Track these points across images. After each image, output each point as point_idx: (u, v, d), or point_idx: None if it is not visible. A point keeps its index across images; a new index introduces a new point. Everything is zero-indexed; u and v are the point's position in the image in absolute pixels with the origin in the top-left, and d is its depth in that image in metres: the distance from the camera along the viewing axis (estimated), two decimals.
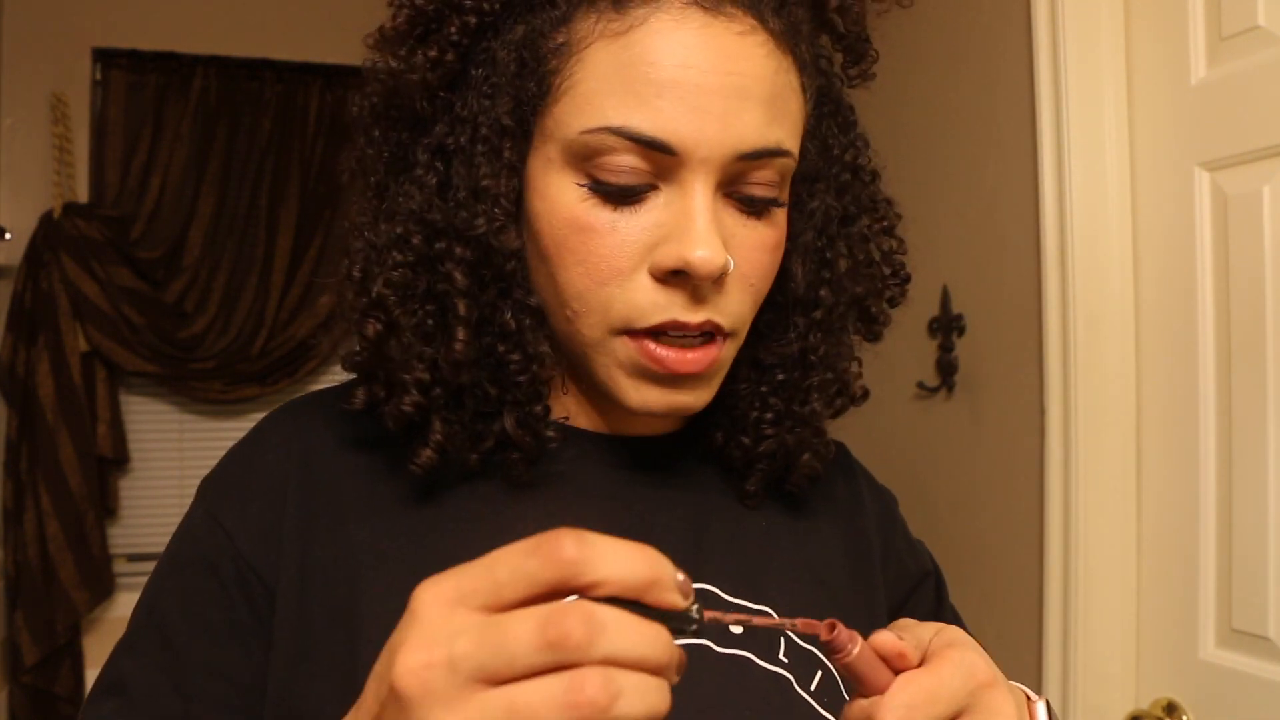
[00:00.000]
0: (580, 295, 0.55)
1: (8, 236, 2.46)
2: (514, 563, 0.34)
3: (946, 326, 1.71)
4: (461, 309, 0.56)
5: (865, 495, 0.74)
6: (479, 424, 0.59)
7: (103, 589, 2.48)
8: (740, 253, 0.56)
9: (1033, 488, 1.48)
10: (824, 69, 0.63)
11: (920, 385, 1.76)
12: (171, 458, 2.69)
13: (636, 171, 0.53)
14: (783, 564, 0.64)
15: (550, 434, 0.59)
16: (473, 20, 0.56)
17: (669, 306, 0.54)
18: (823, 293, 0.63)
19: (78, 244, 2.47)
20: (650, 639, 0.34)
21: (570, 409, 0.63)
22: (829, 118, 0.64)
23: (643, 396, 0.57)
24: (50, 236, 2.46)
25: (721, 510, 0.65)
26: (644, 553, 0.35)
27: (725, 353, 0.57)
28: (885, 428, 1.87)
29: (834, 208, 0.64)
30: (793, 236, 0.61)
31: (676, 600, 0.35)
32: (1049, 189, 1.43)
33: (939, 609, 0.74)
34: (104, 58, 2.60)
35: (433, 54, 0.56)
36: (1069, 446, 1.40)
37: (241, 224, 2.65)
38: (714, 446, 0.66)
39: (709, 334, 0.56)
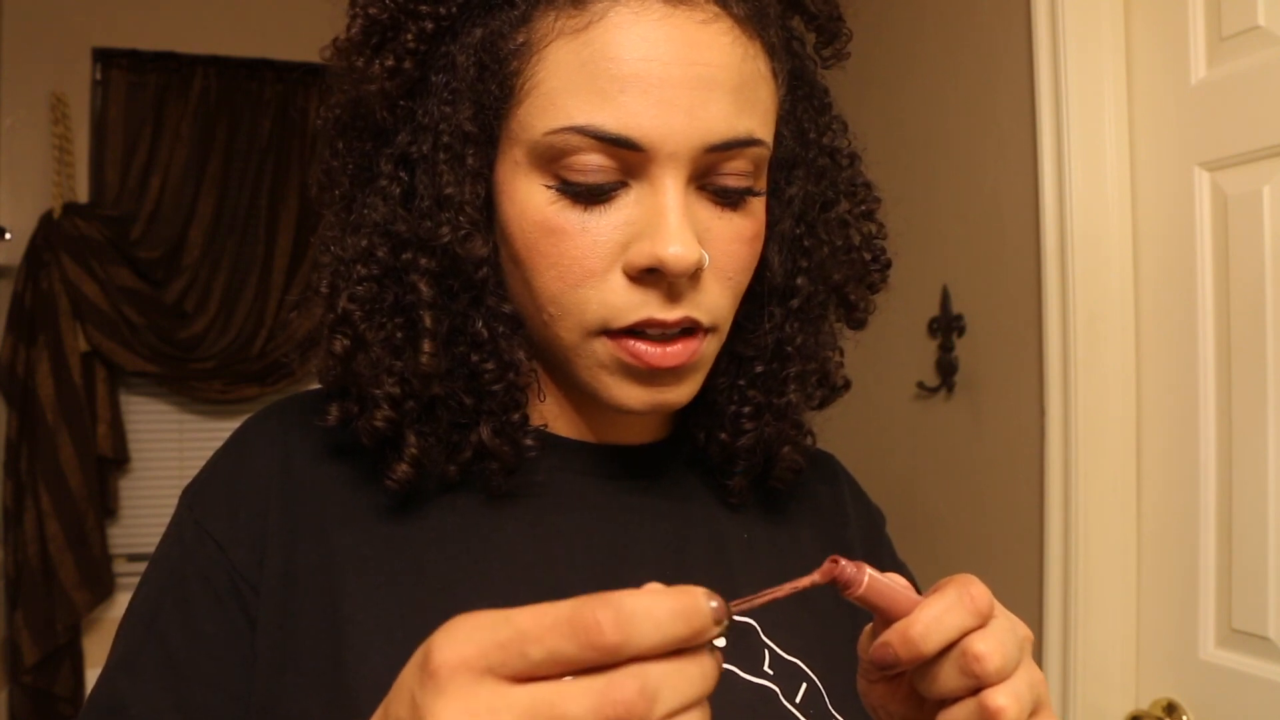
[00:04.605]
0: (555, 299, 0.54)
1: (8, 236, 2.46)
2: (549, 643, 0.32)
3: (946, 326, 1.71)
4: (428, 321, 0.55)
5: (850, 507, 0.73)
6: (455, 435, 0.57)
7: (103, 589, 2.48)
8: (717, 246, 0.54)
9: (1033, 488, 1.48)
10: (796, 51, 0.62)
11: (920, 385, 1.76)
12: (171, 458, 2.69)
13: (604, 170, 0.52)
14: (764, 578, 0.63)
15: (529, 442, 0.58)
16: (429, 26, 0.55)
17: (645, 305, 0.53)
18: (800, 281, 0.62)
19: (78, 244, 2.47)
20: (701, 684, 0.34)
21: (549, 416, 0.62)
22: (803, 101, 0.62)
23: (625, 395, 0.56)
24: (50, 236, 2.46)
25: (705, 522, 0.64)
26: (683, 612, 0.33)
27: (706, 346, 0.56)
28: (885, 428, 1.87)
29: (812, 193, 0.62)
30: (770, 225, 0.60)
31: (713, 635, 0.35)
32: (1049, 189, 1.43)
33: None
34: (104, 58, 2.60)
35: (389, 63, 0.55)
36: (1069, 446, 1.40)
37: (241, 224, 2.65)
38: (696, 449, 0.65)
39: (688, 329, 0.55)
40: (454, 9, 0.55)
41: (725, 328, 0.58)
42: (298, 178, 2.68)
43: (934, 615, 0.41)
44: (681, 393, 0.57)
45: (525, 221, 0.54)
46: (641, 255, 0.52)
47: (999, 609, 0.43)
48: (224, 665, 0.56)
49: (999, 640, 0.41)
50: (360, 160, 0.59)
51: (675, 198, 0.52)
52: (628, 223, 0.53)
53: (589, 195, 0.52)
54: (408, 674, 0.35)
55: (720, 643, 0.59)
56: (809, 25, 0.62)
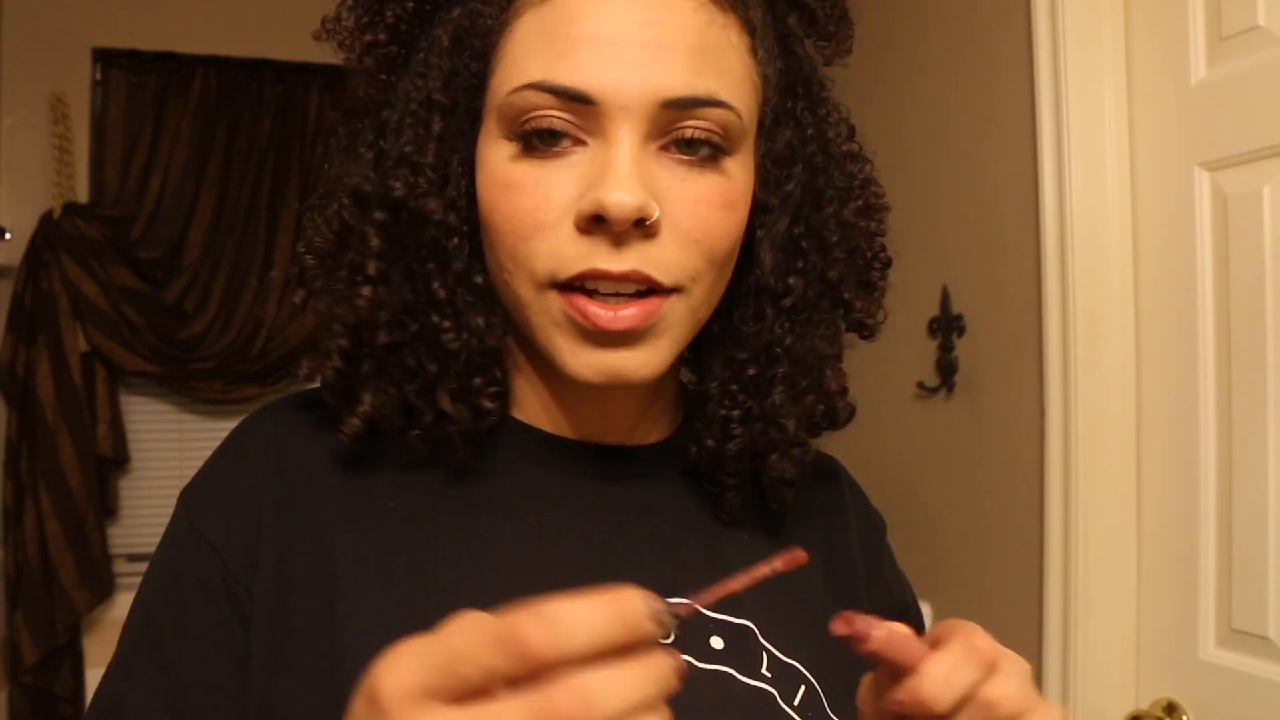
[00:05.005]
0: (510, 252, 0.55)
1: (8, 236, 2.46)
2: (482, 661, 0.32)
3: (946, 326, 1.71)
4: (371, 269, 0.57)
5: (850, 511, 0.72)
6: (418, 401, 0.58)
7: (103, 589, 2.48)
8: (678, 206, 0.54)
9: (1033, 488, 1.48)
10: (794, 49, 0.61)
11: (920, 385, 1.76)
12: (171, 458, 2.69)
13: (562, 123, 0.53)
14: (762, 580, 0.63)
15: (488, 405, 0.58)
16: (410, 5, 0.58)
17: (591, 255, 0.52)
18: (792, 280, 0.60)
19: (78, 244, 2.47)
20: (646, 685, 0.33)
21: (542, 417, 0.62)
22: (802, 99, 0.62)
23: (579, 359, 0.55)
24: (50, 236, 2.46)
25: (701, 524, 0.63)
26: (613, 612, 0.33)
27: (668, 309, 0.55)
28: (885, 428, 1.87)
29: (810, 190, 0.62)
30: (766, 224, 0.60)
31: (655, 635, 0.34)
32: (1049, 189, 1.43)
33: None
34: (104, 58, 2.60)
35: (369, 39, 0.58)
36: (1069, 446, 1.40)
37: (241, 224, 2.65)
38: (690, 459, 0.64)
39: (647, 291, 0.54)
40: None
41: (697, 293, 0.56)
42: (298, 178, 2.68)
43: (944, 674, 0.43)
44: (639, 360, 0.55)
45: (489, 182, 0.55)
46: (586, 203, 0.52)
47: (997, 648, 0.45)
48: (217, 667, 0.56)
49: (1014, 685, 0.43)
50: (350, 137, 0.61)
51: (626, 150, 0.52)
52: (581, 177, 0.53)
53: (544, 147, 0.53)
54: (358, 706, 0.36)
55: (718, 644, 0.58)
56: (806, 20, 0.62)
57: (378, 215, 0.57)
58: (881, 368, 1.86)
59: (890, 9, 1.86)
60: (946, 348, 1.71)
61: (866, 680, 0.47)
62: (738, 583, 0.40)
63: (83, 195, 2.56)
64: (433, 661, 0.33)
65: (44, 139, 2.50)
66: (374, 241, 0.57)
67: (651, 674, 0.33)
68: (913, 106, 1.81)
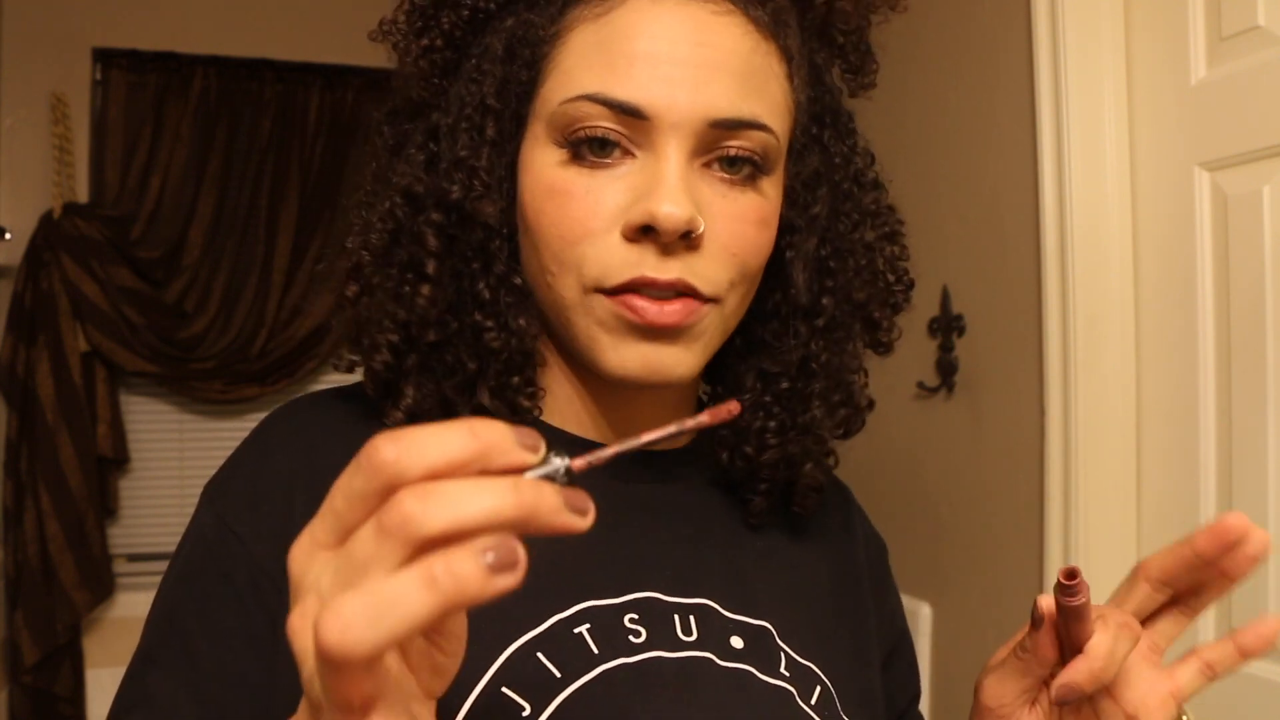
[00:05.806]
0: (556, 256, 0.56)
1: (8, 236, 2.46)
2: (344, 487, 0.34)
3: (946, 326, 1.71)
4: (430, 268, 0.58)
5: (858, 531, 0.75)
6: (457, 397, 0.59)
7: (103, 589, 2.48)
8: (719, 223, 0.56)
9: (1033, 488, 1.48)
10: (825, 81, 0.64)
11: (920, 385, 1.76)
12: (171, 458, 2.69)
13: (614, 134, 0.55)
14: (777, 586, 0.65)
15: (525, 404, 0.59)
16: (466, 14, 0.60)
17: (639, 263, 0.54)
18: (825, 300, 0.63)
19: (78, 244, 2.47)
20: (496, 489, 0.32)
21: (571, 420, 0.63)
22: (829, 127, 0.65)
23: (621, 355, 0.56)
24: (50, 236, 2.46)
25: (724, 530, 0.65)
26: (467, 425, 0.33)
27: (707, 316, 0.57)
28: (885, 428, 1.87)
29: (837, 214, 0.64)
30: (795, 245, 0.62)
31: (524, 457, 0.34)
32: (1049, 189, 1.43)
33: (909, 672, 0.75)
34: (104, 58, 2.60)
35: (424, 43, 0.60)
36: (1069, 446, 1.40)
37: (241, 224, 2.65)
38: (719, 467, 0.65)
39: (686, 294, 0.56)
40: (492, 5, 0.59)
41: (731, 303, 0.59)
42: (298, 178, 2.69)
43: (1107, 650, 0.53)
44: (678, 357, 0.57)
45: (536, 187, 0.57)
46: (637, 213, 0.54)
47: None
48: (243, 660, 0.56)
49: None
50: (399, 138, 0.63)
51: (676, 165, 0.54)
52: (630, 188, 0.55)
53: (594, 155, 0.55)
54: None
55: (738, 643, 0.58)
56: (835, 55, 0.64)
57: (434, 216, 0.59)
58: (882, 368, 1.86)
59: (887, 19, 1.86)
60: (946, 348, 1.71)
61: (995, 676, 0.58)
62: (652, 435, 0.40)
63: (83, 195, 2.56)
64: (318, 515, 0.35)
65: (44, 139, 2.51)
66: (431, 241, 0.58)
67: (508, 493, 0.32)
68: (913, 107, 1.81)
